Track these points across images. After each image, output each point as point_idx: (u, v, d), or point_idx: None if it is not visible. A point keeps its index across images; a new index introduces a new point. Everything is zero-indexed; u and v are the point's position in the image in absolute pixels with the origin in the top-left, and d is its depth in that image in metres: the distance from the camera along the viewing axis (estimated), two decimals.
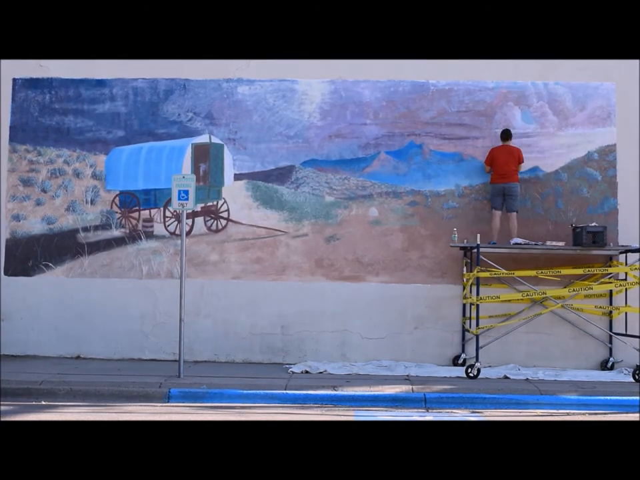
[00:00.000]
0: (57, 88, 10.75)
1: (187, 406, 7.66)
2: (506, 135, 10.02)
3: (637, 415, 7.28)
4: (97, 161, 10.67)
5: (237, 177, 10.57)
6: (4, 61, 10.56)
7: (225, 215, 10.53)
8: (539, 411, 7.65)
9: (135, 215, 10.61)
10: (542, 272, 9.59)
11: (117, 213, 10.61)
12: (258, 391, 8.01)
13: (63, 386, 8.08)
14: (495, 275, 9.43)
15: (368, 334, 10.23)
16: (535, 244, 9.69)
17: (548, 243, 9.73)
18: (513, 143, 10.08)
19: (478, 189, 10.25)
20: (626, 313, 9.74)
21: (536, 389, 8.22)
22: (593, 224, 9.77)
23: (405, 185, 10.44)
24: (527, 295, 9.59)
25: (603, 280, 9.71)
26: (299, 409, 7.59)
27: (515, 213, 9.84)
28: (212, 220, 10.55)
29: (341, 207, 10.45)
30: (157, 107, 10.67)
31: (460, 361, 9.97)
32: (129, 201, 10.63)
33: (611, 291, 9.92)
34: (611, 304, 9.93)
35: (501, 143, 10.04)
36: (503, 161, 9.86)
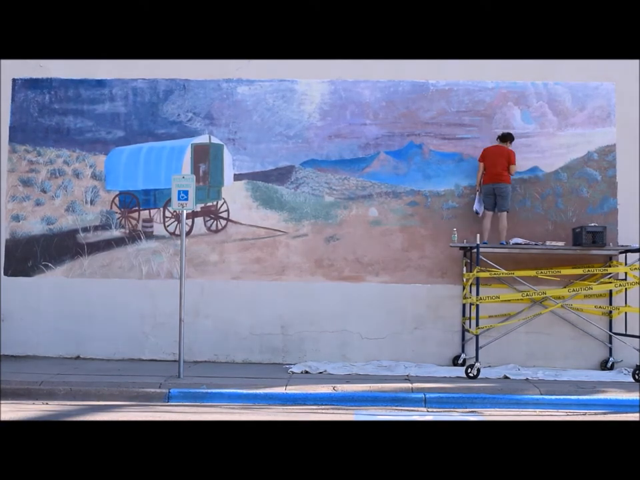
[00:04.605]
0: (56, 88, 10.75)
1: (187, 406, 7.66)
2: (503, 137, 10.02)
3: (637, 414, 7.28)
4: (97, 161, 10.67)
5: (237, 177, 10.58)
6: (4, 61, 10.56)
7: (224, 215, 10.53)
8: (538, 411, 7.66)
9: (135, 215, 10.61)
10: (542, 272, 9.59)
11: (116, 213, 10.61)
12: (258, 391, 8.00)
13: (62, 386, 8.08)
14: (494, 275, 9.43)
15: (368, 334, 10.23)
16: (535, 244, 9.70)
17: (548, 243, 9.74)
18: (514, 142, 10.10)
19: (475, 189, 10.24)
20: (626, 313, 9.75)
21: (536, 389, 8.22)
22: (593, 224, 9.78)
23: (405, 185, 10.44)
24: (527, 295, 9.59)
25: (602, 280, 9.72)
26: (299, 408, 7.59)
27: (505, 213, 9.87)
28: (212, 220, 10.55)
29: (340, 207, 10.46)
30: (156, 107, 10.67)
31: (460, 361, 9.97)
32: (129, 201, 10.63)
33: (610, 291, 9.92)
34: (610, 304, 9.94)
35: (495, 143, 10.07)
36: (492, 161, 9.88)
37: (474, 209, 10.13)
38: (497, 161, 9.88)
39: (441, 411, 7.58)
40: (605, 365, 9.93)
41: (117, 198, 10.64)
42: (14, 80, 10.79)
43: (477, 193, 10.14)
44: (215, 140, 10.61)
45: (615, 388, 8.39)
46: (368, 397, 7.99)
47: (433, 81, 10.52)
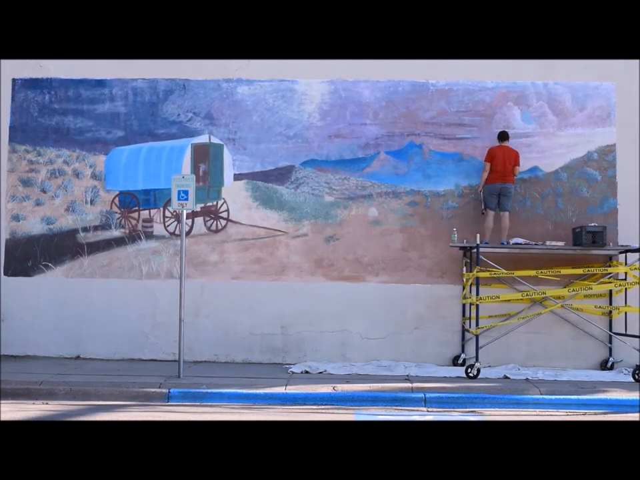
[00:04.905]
0: (56, 88, 10.75)
1: (186, 406, 7.66)
2: (505, 135, 10.03)
3: (637, 414, 7.28)
4: (97, 161, 10.67)
5: (237, 177, 10.57)
6: (4, 61, 10.57)
7: (224, 215, 10.53)
8: (538, 411, 7.66)
9: (135, 215, 10.61)
10: (542, 272, 9.60)
11: (116, 213, 10.61)
12: (258, 391, 8.00)
13: (62, 386, 8.08)
14: (494, 275, 9.43)
15: (368, 334, 10.23)
16: (535, 244, 9.70)
17: (548, 242, 9.74)
18: (513, 142, 10.10)
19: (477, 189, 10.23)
20: (626, 313, 9.75)
21: (536, 389, 8.22)
22: (593, 224, 9.78)
23: (405, 185, 10.44)
24: (527, 295, 9.59)
25: (602, 280, 9.72)
26: (299, 408, 7.59)
27: (508, 213, 9.87)
28: (212, 220, 10.55)
29: (340, 207, 10.46)
30: (156, 107, 10.67)
31: (460, 361, 9.97)
32: (129, 201, 10.63)
33: (610, 291, 9.92)
34: (610, 304, 9.94)
35: (498, 143, 10.05)
36: (502, 162, 9.87)
37: (483, 210, 10.02)
38: (506, 161, 9.87)
39: (441, 411, 7.58)
40: (604, 365, 9.93)
41: (117, 198, 10.64)
42: (14, 80, 10.79)
43: (481, 192, 10.07)
44: (214, 140, 10.61)
45: (615, 388, 8.39)
46: (368, 396, 7.99)
47: (433, 80, 10.52)
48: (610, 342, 9.96)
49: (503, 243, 9.72)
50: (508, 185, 9.87)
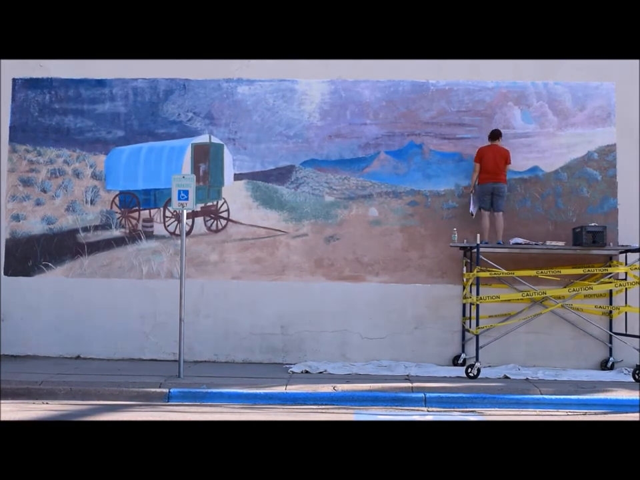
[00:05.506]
0: (56, 88, 10.75)
1: (187, 405, 7.66)
2: (495, 134, 10.00)
3: (637, 414, 7.29)
4: (97, 161, 10.67)
5: (237, 177, 10.58)
6: (4, 61, 10.57)
7: (224, 214, 10.54)
8: (539, 411, 7.66)
9: (135, 215, 10.61)
10: (542, 272, 9.60)
11: (116, 213, 10.62)
12: (258, 391, 8.01)
13: (62, 386, 8.08)
14: (494, 275, 9.43)
15: (368, 334, 10.23)
16: (535, 244, 9.70)
17: (548, 242, 9.74)
18: (514, 142, 10.10)
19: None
20: (626, 313, 9.75)
21: (536, 389, 8.22)
22: (593, 224, 9.78)
23: (405, 184, 10.44)
24: (527, 295, 9.59)
25: (602, 280, 9.72)
26: (299, 408, 7.59)
27: (502, 213, 9.86)
28: (212, 220, 10.55)
29: (340, 207, 10.46)
30: (156, 107, 10.68)
31: (460, 361, 9.97)
32: (129, 201, 10.63)
33: (610, 291, 9.93)
34: (610, 304, 9.94)
35: (489, 143, 10.04)
36: (492, 161, 9.85)
37: (470, 211, 10.08)
38: (497, 160, 9.85)
39: (441, 411, 7.58)
40: (605, 365, 9.93)
41: (117, 198, 10.64)
42: (14, 80, 10.80)
43: (472, 193, 10.10)
44: (215, 140, 10.61)
45: (615, 388, 8.40)
46: (368, 396, 7.99)
47: (433, 80, 10.52)
48: (610, 342, 9.96)
49: (499, 243, 9.72)
50: (500, 185, 9.84)
